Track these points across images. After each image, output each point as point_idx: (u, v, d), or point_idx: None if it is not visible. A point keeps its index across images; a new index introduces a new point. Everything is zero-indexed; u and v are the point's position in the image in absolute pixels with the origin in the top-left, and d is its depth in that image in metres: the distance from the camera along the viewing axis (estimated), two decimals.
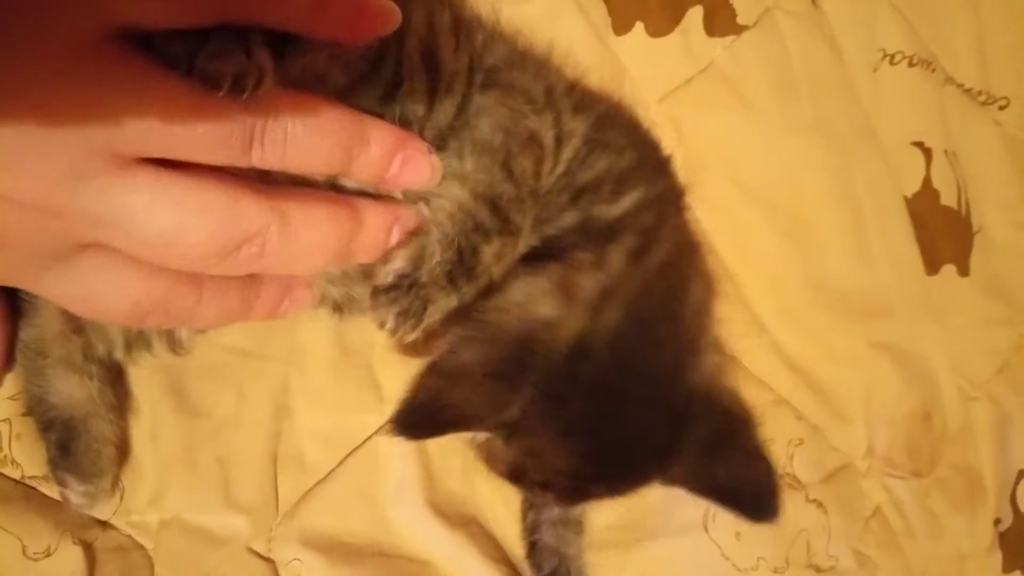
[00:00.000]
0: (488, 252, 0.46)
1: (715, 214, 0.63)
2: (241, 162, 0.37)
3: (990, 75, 0.70)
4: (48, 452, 0.51)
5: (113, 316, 0.41)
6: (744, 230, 0.64)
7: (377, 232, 0.44)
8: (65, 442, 0.50)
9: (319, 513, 0.55)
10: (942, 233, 0.69)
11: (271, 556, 0.54)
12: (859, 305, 0.65)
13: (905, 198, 0.67)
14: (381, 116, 0.44)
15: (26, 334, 0.50)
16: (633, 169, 0.51)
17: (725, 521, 0.60)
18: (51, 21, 0.33)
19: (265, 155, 0.38)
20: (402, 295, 0.44)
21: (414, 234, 0.45)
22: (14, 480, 0.51)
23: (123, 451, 0.53)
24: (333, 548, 0.54)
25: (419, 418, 0.43)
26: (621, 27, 0.63)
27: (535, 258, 0.48)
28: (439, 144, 0.47)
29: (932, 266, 0.68)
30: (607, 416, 0.46)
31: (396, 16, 0.40)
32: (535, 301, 0.45)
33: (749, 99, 0.65)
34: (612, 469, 0.48)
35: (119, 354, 0.52)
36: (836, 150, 0.66)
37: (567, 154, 0.49)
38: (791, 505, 0.61)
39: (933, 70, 0.68)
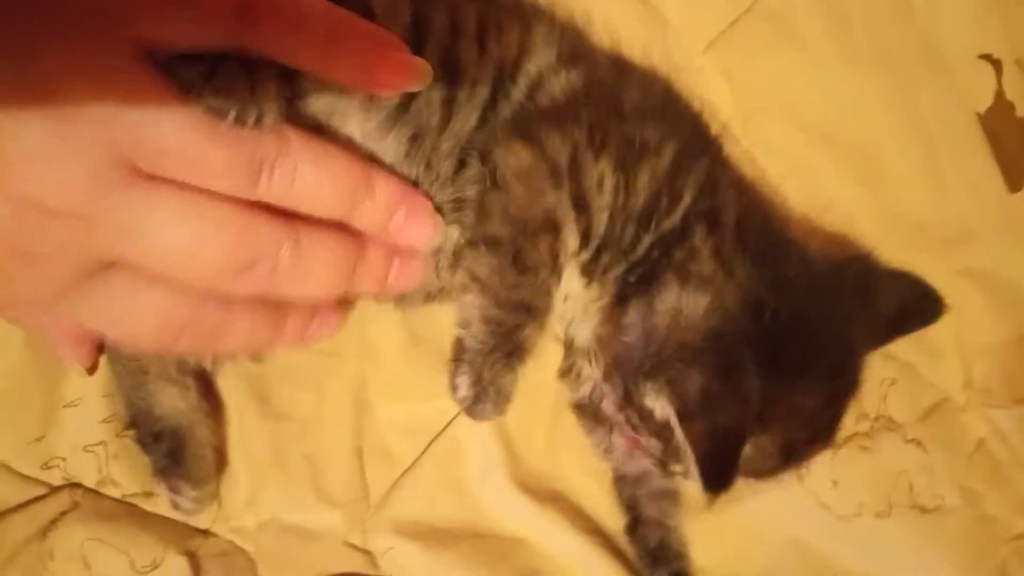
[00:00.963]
0: (526, 334, 0.49)
1: (779, 160, 0.61)
2: (248, 193, 0.38)
3: None
4: (158, 463, 0.53)
5: (143, 338, 0.42)
6: (810, 173, 0.62)
7: (380, 263, 0.45)
8: (175, 451, 0.53)
9: (409, 501, 0.56)
10: (1022, 147, 0.65)
11: (367, 547, 0.55)
12: (938, 234, 0.63)
13: (978, 115, 0.64)
14: (392, 127, 0.46)
15: (125, 354, 0.53)
16: (677, 164, 0.51)
17: (820, 471, 0.58)
18: (84, 36, 0.34)
19: (272, 188, 0.39)
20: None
21: (456, 359, 0.50)
22: (115, 499, 0.54)
23: (221, 456, 0.55)
24: (426, 534, 0.55)
25: (722, 465, 0.45)
26: None
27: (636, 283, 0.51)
28: (455, 206, 0.49)
29: (1014, 183, 0.65)
30: (813, 338, 0.49)
31: (426, 74, 0.40)
32: (683, 303, 0.48)
33: (799, 35, 0.62)
34: (841, 370, 0.51)
35: (208, 364, 0.54)
36: (897, 77, 0.63)
37: (605, 200, 0.49)
38: (888, 447, 0.60)
39: None
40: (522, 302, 0.49)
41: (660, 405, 0.46)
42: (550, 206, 0.48)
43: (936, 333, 0.62)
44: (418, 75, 0.40)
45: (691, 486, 0.56)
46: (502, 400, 0.51)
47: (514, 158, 0.48)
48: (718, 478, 0.44)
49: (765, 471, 0.50)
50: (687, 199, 0.50)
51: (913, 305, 0.55)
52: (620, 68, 0.54)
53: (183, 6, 0.35)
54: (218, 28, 0.36)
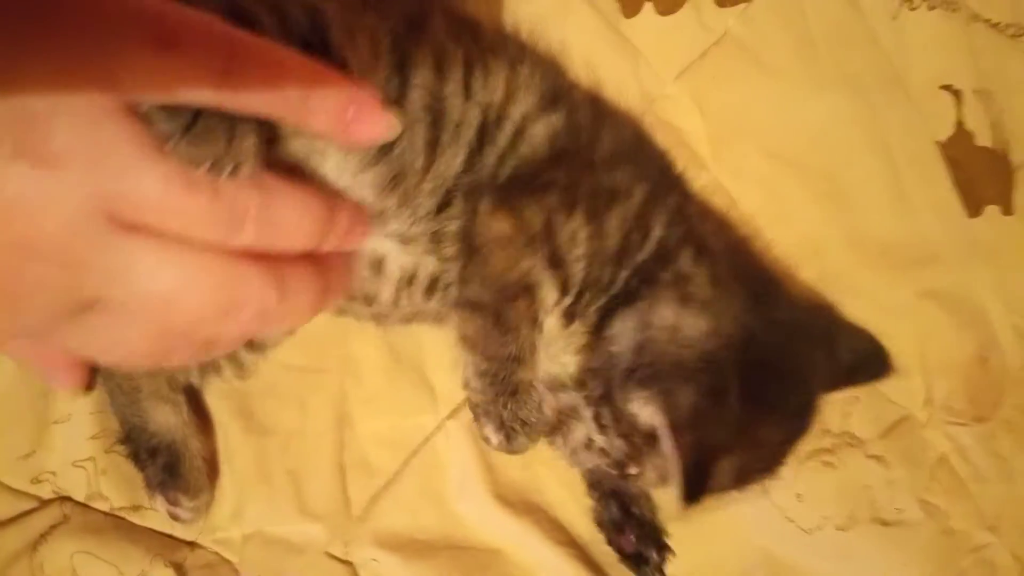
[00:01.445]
0: (520, 376, 0.53)
1: (748, 186, 0.63)
2: (230, 242, 0.39)
3: (1019, 6, 0.69)
4: (155, 477, 0.55)
5: (134, 360, 0.43)
6: (779, 198, 0.64)
7: (342, 277, 0.46)
8: (172, 464, 0.54)
9: (390, 514, 0.57)
10: (981, 174, 0.68)
11: (349, 559, 0.57)
12: (903, 256, 0.65)
13: (939, 143, 0.67)
14: (374, 166, 0.48)
15: (118, 374, 0.55)
16: (646, 202, 0.54)
17: (784, 485, 0.60)
18: (70, 87, 0.34)
19: (254, 236, 0.39)
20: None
21: (475, 416, 0.54)
22: (104, 512, 0.55)
23: (213, 468, 0.57)
24: (406, 545, 0.57)
25: (701, 477, 0.48)
26: (630, 10, 0.63)
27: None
28: (433, 239, 0.52)
29: (974, 208, 0.67)
30: (790, 376, 0.53)
31: (397, 128, 0.43)
32: (683, 322, 0.52)
33: (768, 64, 0.65)
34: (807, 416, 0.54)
35: (195, 379, 0.56)
36: (863, 104, 0.65)
37: (580, 250, 0.52)
38: (851, 463, 0.62)
39: (955, 9, 0.67)
40: (509, 355, 0.52)
41: (648, 413, 0.50)
42: (525, 271, 0.51)
43: (900, 352, 0.64)
44: (390, 129, 0.42)
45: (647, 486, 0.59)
46: (531, 429, 0.54)
47: (496, 226, 0.50)
48: (696, 489, 0.48)
49: (714, 491, 0.52)
50: (658, 232, 0.53)
51: (868, 360, 0.59)
52: (597, 110, 0.57)
53: (168, 64, 0.36)
54: (202, 85, 0.37)
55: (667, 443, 0.48)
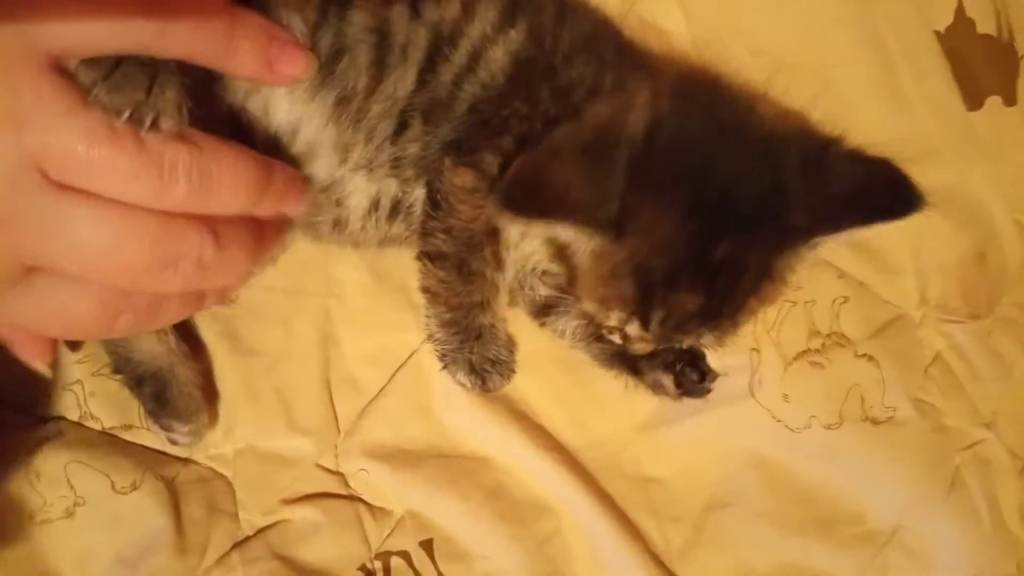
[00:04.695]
0: (482, 320, 0.55)
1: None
2: (160, 202, 0.39)
3: None
4: (146, 405, 0.57)
5: (80, 330, 0.44)
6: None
7: (276, 238, 0.48)
8: (159, 392, 0.56)
9: (377, 427, 0.59)
10: (983, 64, 0.65)
11: (339, 470, 0.58)
12: (897, 153, 0.61)
13: (937, 33, 0.64)
14: (318, 92, 0.48)
15: None
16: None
17: (772, 385, 0.61)
18: None
19: (185, 197, 0.39)
20: None
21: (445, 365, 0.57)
22: (97, 430, 0.57)
23: (209, 391, 0.58)
24: (395, 456, 0.59)
25: (523, 193, 0.45)
26: None
27: None
28: (394, 164, 0.52)
29: (975, 101, 0.65)
30: (701, 171, 0.47)
31: (312, 64, 0.45)
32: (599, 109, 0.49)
33: None
34: (727, 219, 0.46)
35: None
36: None
37: None
38: (840, 362, 0.62)
39: None
40: (473, 302, 0.54)
41: None
42: (489, 215, 0.51)
43: (892, 251, 0.64)
44: (310, 65, 0.45)
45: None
46: (502, 366, 0.57)
47: (459, 180, 0.51)
48: (509, 199, 0.45)
49: (619, 300, 0.49)
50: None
51: (876, 193, 0.48)
52: (560, 8, 0.55)
53: (89, 14, 0.36)
54: (124, 32, 0.37)
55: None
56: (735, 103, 0.52)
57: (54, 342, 0.51)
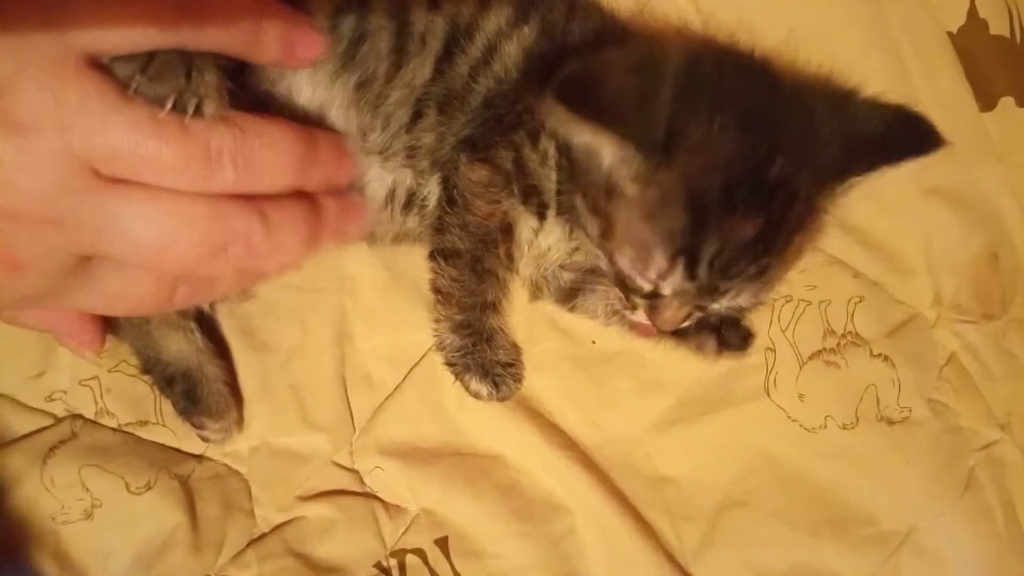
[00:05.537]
0: (492, 323, 0.55)
1: None
2: (209, 186, 0.40)
3: None
4: (177, 404, 0.57)
5: (141, 307, 0.45)
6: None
7: (337, 216, 0.47)
8: (190, 391, 0.56)
9: (392, 424, 0.59)
10: (995, 65, 0.65)
11: (354, 467, 0.59)
12: None
13: (950, 34, 0.64)
14: (340, 75, 0.49)
15: None
16: None
17: (787, 385, 0.61)
18: (31, 50, 0.36)
19: (232, 178, 0.40)
20: None
21: (457, 374, 0.56)
22: (112, 428, 0.57)
23: (235, 388, 0.58)
24: (409, 453, 0.59)
25: (581, 91, 0.45)
26: None
27: None
28: (409, 153, 0.52)
29: (987, 101, 0.65)
30: (745, 99, 0.48)
31: (324, 45, 0.45)
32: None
33: None
34: (782, 139, 0.47)
35: (205, 305, 0.57)
36: None
37: (551, 164, 0.52)
38: (855, 362, 0.62)
39: None
40: (485, 302, 0.54)
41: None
42: (504, 210, 0.52)
43: (905, 251, 0.64)
44: (324, 48, 0.45)
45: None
46: (514, 369, 0.57)
47: (474, 175, 0.51)
48: (566, 91, 0.44)
49: (666, 238, 0.46)
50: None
51: (902, 131, 0.51)
52: (571, 3, 0.55)
53: (125, 18, 0.37)
54: (158, 34, 0.38)
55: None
56: (755, 59, 0.53)
57: (103, 334, 0.52)
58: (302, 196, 0.45)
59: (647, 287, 0.49)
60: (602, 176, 0.48)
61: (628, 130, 0.45)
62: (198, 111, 0.39)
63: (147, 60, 0.38)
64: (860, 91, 0.53)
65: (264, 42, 0.42)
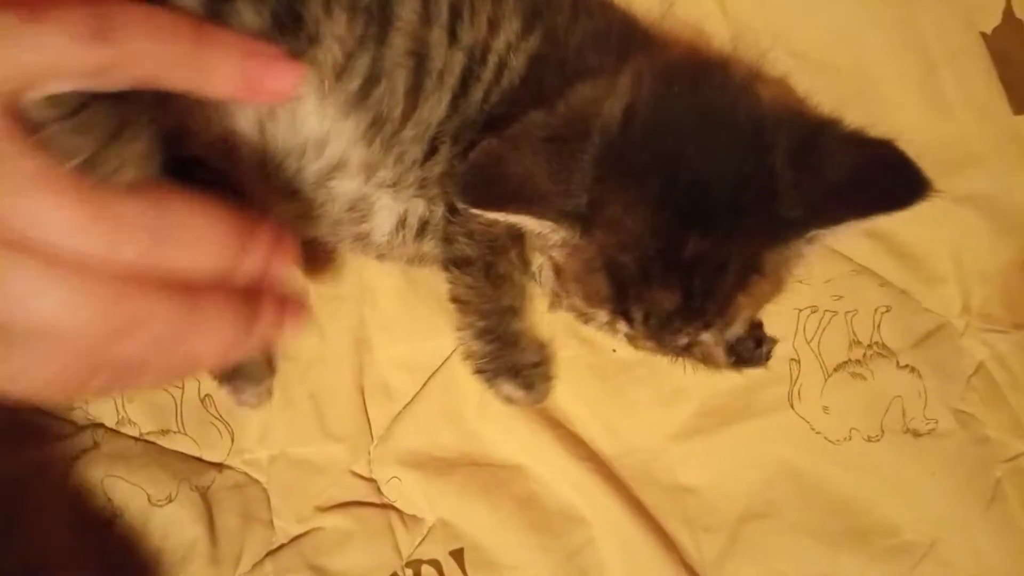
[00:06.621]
0: (516, 327, 0.54)
1: (777, 90, 0.60)
2: (110, 260, 0.34)
3: None
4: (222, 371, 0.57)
5: (50, 390, 0.37)
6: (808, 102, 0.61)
7: (273, 311, 0.40)
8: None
9: (410, 434, 0.59)
10: None
11: (372, 476, 0.58)
12: (938, 158, 0.59)
13: (984, 35, 0.63)
14: (350, 113, 0.47)
15: None
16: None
17: (811, 397, 0.60)
18: None
19: (133, 253, 0.34)
20: None
21: (488, 381, 0.55)
22: (134, 438, 0.57)
23: (270, 364, 0.59)
24: (427, 463, 0.58)
25: (481, 181, 0.43)
26: None
27: None
28: (421, 183, 0.51)
29: (1019, 105, 0.63)
30: (674, 159, 0.43)
31: (304, 78, 0.40)
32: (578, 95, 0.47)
33: None
34: (700, 211, 0.43)
35: None
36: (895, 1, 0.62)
37: None
38: (881, 373, 0.61)
39: None
40: (504, 307, 0.53)
41: None
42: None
43: (934, 260, 0.63)
44: (301, 79, 0.39)
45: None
46: (544, 368, 0.56)
47: None
48: (467, 187, 0.43)
49: (598, 298, 0.46)
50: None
51: (876, 179, 0.44)
52: (575, 7, 0.53)
53: (36, 32, 0.31)
54: (76, 53, 0.33)
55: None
56: (726, 85, 0.47)
57: None
58: (239, 287, 0.39)
59: (604, 323, 0.50)
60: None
61: (543, 209, 0.43)
62: (114, 176, 0.34)
63: (76, 108, 0.34)
64: (837, 124, 0.46)
65: (213, 74, 0.37)
